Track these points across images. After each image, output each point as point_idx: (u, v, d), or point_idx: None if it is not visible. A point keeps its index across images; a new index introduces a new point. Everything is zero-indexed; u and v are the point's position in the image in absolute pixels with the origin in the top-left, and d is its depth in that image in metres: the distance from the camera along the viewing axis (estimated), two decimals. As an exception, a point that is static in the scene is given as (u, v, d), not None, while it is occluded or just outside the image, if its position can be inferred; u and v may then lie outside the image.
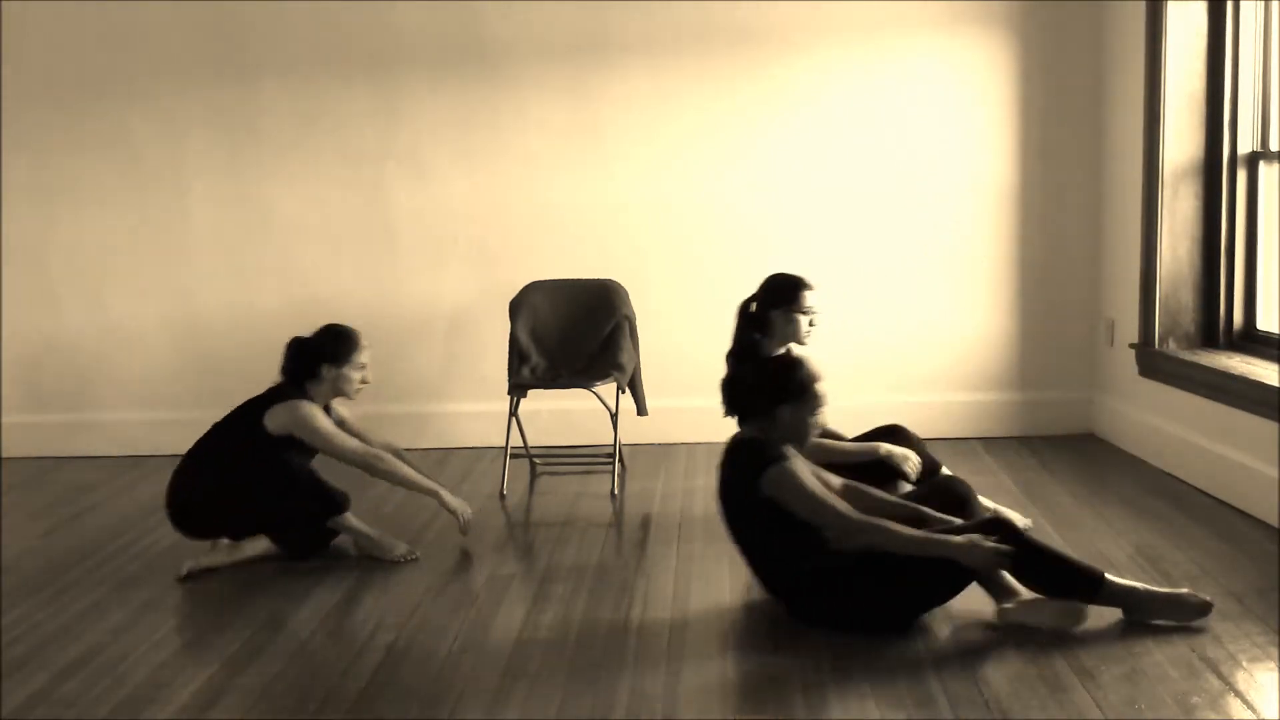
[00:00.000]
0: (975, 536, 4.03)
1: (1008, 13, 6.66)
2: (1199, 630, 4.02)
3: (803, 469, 4.23)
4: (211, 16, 6.75)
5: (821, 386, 4.28)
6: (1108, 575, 4.10)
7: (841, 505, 4.15)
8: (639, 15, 6.69)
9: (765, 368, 4.45)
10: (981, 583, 4.14)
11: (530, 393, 6.11)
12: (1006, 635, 4.02)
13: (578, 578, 4.75)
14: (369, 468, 5.02)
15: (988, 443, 6.68)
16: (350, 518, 5.04)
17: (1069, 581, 4.08)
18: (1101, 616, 4.12)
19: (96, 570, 4.99)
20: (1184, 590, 4.16)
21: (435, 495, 5.09)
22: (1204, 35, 5.87)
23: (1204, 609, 4.09)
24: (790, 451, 4.24)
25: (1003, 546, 4.00)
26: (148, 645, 4.20)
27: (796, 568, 4.18)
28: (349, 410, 5.28)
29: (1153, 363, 6.08)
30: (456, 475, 6.30)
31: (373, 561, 4.99)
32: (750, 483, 4.19)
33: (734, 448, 4.34)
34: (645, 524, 5.51)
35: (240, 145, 6.83)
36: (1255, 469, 5.19)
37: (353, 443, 5.02)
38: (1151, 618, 4.08)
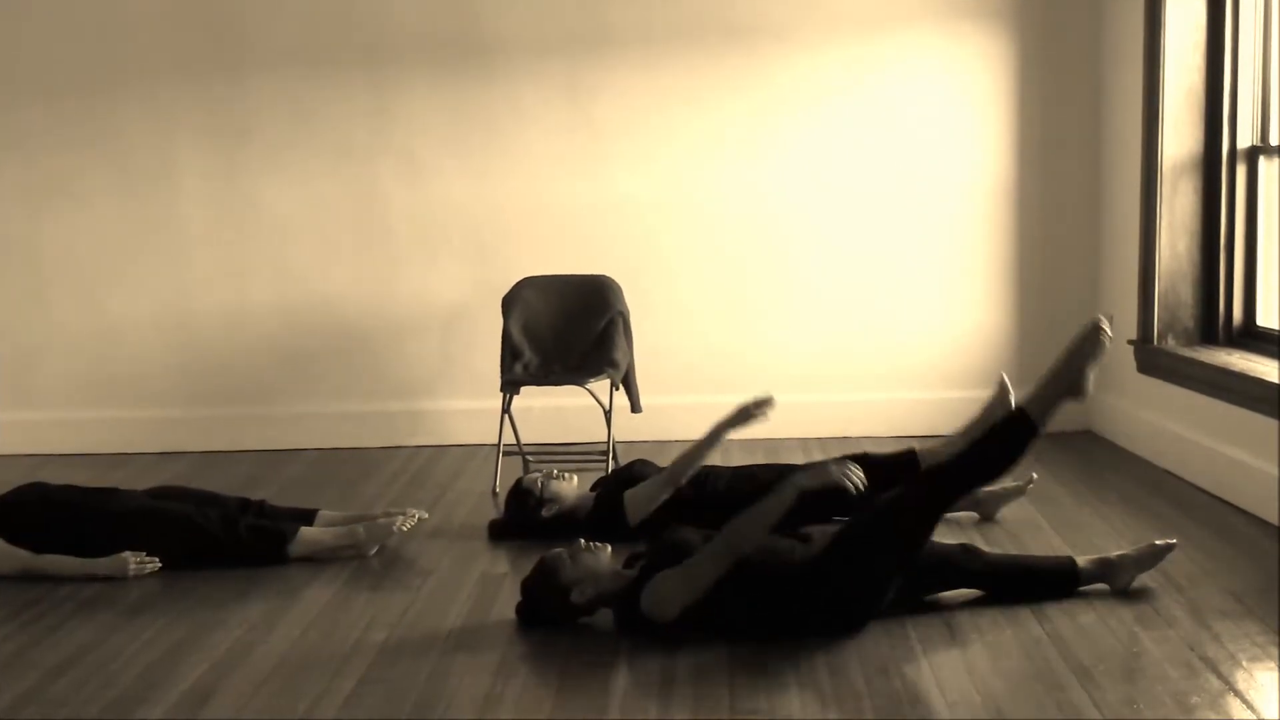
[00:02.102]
0: (825, 461, 4.15)
1: (1006, 7, 6.63)
2: (1198, 629, 4.00)
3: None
4: (203, 12, 6.71)
5: None
6: (1077, 560, 4.31)
7: (697, 558, 3.98)
8: (635, 12, 6.65)
9: None
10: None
11: (523, 389, 6.08)
12: (1006, 634, 4.00)
13: (572, 576, 4.71)
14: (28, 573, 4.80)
15: (985, 440, 6.64)
16: (305, 536, 4.94)
17: (1045, 584, 4.27)
18: (1100, 614, 4.11)
19: (87, 568, 4.95)
20: (1147, 544, 4.37)
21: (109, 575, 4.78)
22: (1203, 29, 5.84)
23: (1167, 548, 4.33)
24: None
25: (849, 464, 4.05)
26: (138, 644, 4.16)
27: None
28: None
29: (1151, 359, 6.05)
30: (449, 472, 6.27)
31: (365, 561, 4.95)
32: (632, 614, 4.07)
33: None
34: (640, 521, 5.47)
35: (233, 142, 6.79)
36: (1255, 467, 5.16)
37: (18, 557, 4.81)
38: (1129, 578, 4.28)
